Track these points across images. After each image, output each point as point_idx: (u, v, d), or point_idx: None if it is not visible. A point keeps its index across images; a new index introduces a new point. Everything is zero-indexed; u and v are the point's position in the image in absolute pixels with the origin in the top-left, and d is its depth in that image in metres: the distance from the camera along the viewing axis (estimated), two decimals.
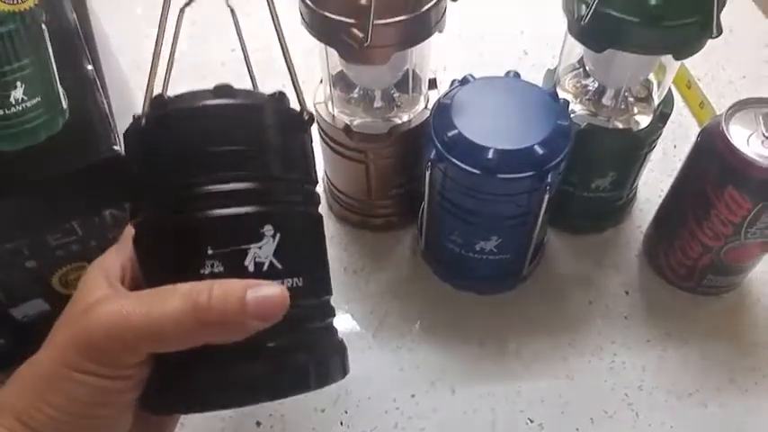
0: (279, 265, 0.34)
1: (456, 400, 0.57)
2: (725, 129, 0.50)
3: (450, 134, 0.50)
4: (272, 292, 0.33)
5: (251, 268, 0.34)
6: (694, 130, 0.73)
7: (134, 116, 0.36)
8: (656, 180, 0.68)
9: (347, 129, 0.56)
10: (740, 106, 0.52)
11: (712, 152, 0.52)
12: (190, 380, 0.34)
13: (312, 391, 0.36)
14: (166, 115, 0.35)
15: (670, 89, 0.58)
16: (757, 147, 0.50)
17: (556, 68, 0.60)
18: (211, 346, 0.33)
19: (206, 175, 0.34)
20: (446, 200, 0.54)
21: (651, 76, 0.58)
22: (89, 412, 0.33)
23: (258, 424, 0.55)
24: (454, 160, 0.50)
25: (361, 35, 0.45)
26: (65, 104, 0.45)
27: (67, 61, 0.46)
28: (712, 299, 0.63)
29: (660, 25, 0.46)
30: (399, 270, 0.65)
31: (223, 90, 0.35)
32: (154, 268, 0.36)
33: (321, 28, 0.48)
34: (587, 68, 0.57)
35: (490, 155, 0.48)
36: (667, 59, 0.53)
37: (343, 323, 0.61)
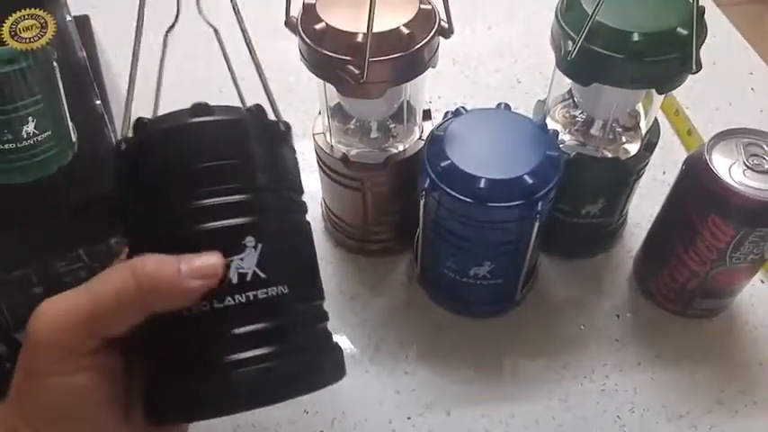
0: (263, 275, 0.35)
1: (451, 423, 0.58)
2: (707, 158, 0.52)
3: (443, 164, 0.52)
4: (202, 261, 0.33)
5: (234, 279, 0.34)
6: (683, 157, 0.74)
7: (116, 141, 0.37)
8: (645, 205, 0.69)
9: (345, 158, 0.58)
10: (722, 137, 0.54)
11: (696, 181, 0.54)
12: (187, 388, 0.34)
13: (307, 395, 0.36)
14: (143, 137, 0.36)
15: (657, 118, 0.60)
16: (739, 176, 0.51)
17: (546, 99, 0.62)
18: (207, 353, 0.34)
19: (185, 192, 0.35)
20: (440, 227, 0.56)
21: (639, 106, 0.60)
22: (69, 415, 0.33)
23: None
24: (447, 189, 0.51)
25: (357, 72, 0.47)
26: (74, 138, 0.47)
27: (77, 96, 0.47)
28: (702, 321, 0.64)
29: (642, 61, 0.48)
30: (396, 295, 0.66)
31: (199, 108, 0.36)
32: None
33: (319, 65, 0.50)
34: (576, 100, 0.59)
35: (482, 184, 0.50)
36: (653, 90, 0.55)
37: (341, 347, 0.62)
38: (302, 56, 0.52)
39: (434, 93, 0.83)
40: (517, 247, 0.56)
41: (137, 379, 0.36)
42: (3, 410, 0.34)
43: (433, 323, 0.64)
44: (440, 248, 0.58)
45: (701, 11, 0.48)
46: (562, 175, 0.53)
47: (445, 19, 0.52)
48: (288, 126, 0.39)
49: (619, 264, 0.69)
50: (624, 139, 0.60)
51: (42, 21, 0.46)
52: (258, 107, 0.38)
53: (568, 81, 0.57)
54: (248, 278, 0.35)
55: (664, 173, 0.74)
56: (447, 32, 0.52)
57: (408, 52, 0.49)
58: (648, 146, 0.59)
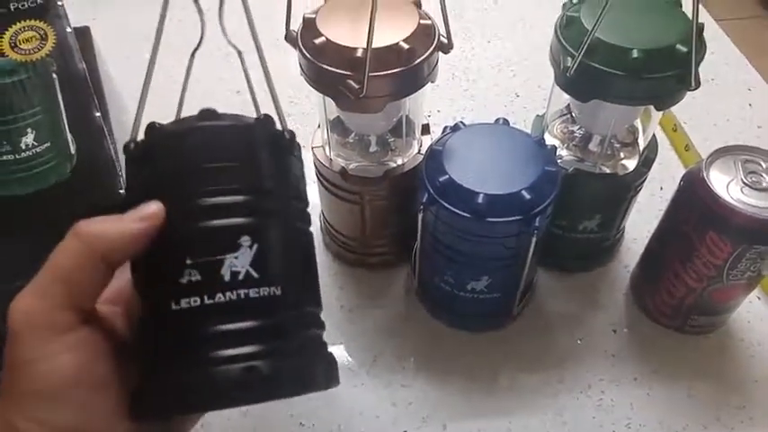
0: (256, 275, 0.35)
1: None
2: (705, 175, 0.52)
3: (441, 179, 0.52)
4: (142, 207, 0.35)
5: (227, 277, 0.35)
6: (680, 172, 0.74)
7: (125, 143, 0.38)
8: (643, 220, 0.69)
9: (343, 172, 0.58)
10: (720, 153, 0.54)
11: (694, 198, 0.54)
12: (170, 382, 0.34)
13: (293, 397, 0.36)
14: (150, 138, 0.37)
15: (654, 134, 0.60)
16: (736, 193, 0.52)
17: (544, 114, 0.62)
18: (193, 348, 0.34)
19: (187, 191, 0.36)
20: (438, 241, 0.56)
21: (637, 122, 0.60)
22: (61, 399, 0.33)
23: None
24: (445, 204, 0.51)
25: (357, 86, 0.47)
26: (73, 150, 0.47)
27: (76, 109, 0.48)
28: (698, 338, 0.64)
29: (641, 78, 0.49)
30: (393, 307, 0.67)
31: (207, 114, 0.37)
32: (142, 276, 0.37)
33: (319, 79, 0.50)
34: (574, 115, 0.59)
35: (480, 199, 0.50)
36: (651, 107, 0.55)
37: (338, 360, 0.61)
38: (302, 70, 0.52)
39: (433, 106, 0.83)
40: (515, 262, 0.56)
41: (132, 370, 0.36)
42: None
43: (431, 336, 0.64)
44: (437, 262, 0.58)
45: (701, 28, 0.48)
46: (560, 190, 0.53)
47: (445, 34, 0.52)
48: (293, 135, 0.40)
49: (615, 279, 0.69)
50: (622, 154, 0.60)
51: (42, 32, 0.46)
52: (266, 116, 0.39)
53: (567, 96, 0.57)
54: (241, 276, 0.35)
55: (661, 188, 0.75)
56: (446, 48, 0.52)
57: (408, 67, 0.49)
58: (646, 162, 0.59)
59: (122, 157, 0.46)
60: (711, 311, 0.61)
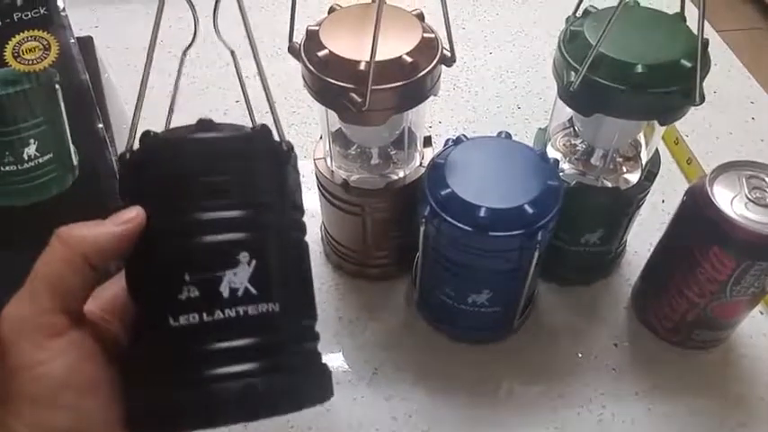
0: (254, 291, 0.35)
1: None
2: (709, 191, 0.52)
3: (443, 193, 0.52)
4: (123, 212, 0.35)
5: (225, 294, 0.35)
6: (683, 185, 0.74)
7: (120, 152, 0.38)
8: (644, 233, 0.69)
9: (345, 184, 0.58)
10: (724, 169, 0.54)
11: (697, 213, 0.54)
12: (170, 399, 0.34)
13: (291, 413, 0.36)
14: (146, 149, 0.37)
15: (657, 148, 0.60)
16: (741, 208, 0.51)
17: (547, 127, 0.62)
18: (192, 365, 0.34)
19: (184, 205, 0.35)
20: (439, 254, 0.55)
21: (640, 136, 0.60)
22: (55, 403, 0.34)
23: None
24: (447, 218, 0.51)
25: (359, 100, 0.47)
26: (75, 161, 0.47)
27: (79, 120, 0.47)
28: (700, 353, 0.63)
29: (645, 93, 0.49)
30: (394, 319, 0.66)
31: (204, 124, 0.37)
32: (140, 291, 0.37)
33: (322, 92, 0.50)
34: (576, 129, 0.59)
35: (482, 213, 0.50)
36: (654, 121, 0.55)
37: (338, 371, 0.62)
38: (305, 82, 0.52)
39: (434, 118, 0.83)
40: (516, 276, 0.56)
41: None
42: None
43: (431, 348, 0.64)
44: (439, 275, 0.58)
45: (705, 43, 0.48)
46: (562, 203, 0.53)
47: (448, 47, 0.52)
48: (291, 147, 0.40)
49: (617, 292, 0.69)
50: (625, 168, 0.60)
51: (45, 43, 0.46)
52: (264, 127, 0.38)
53: (570, 110, 0.57)
54: (239, 293, 0.35)
55: (663, 201, 0.75)
56: (449, 61, 0.52)
57: (411, 81, 0.49)
58: (649, 176, 0.59)
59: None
60: (714, 327, 0.61)
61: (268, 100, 0.40)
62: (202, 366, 0.34)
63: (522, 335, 0.64)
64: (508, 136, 0.57)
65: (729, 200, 0.52)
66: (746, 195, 0.52)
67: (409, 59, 0.48)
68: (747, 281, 0.54)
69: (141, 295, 0.36)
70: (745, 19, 2.44)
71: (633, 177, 0.60)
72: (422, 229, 0.54)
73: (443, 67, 0.53)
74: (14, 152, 0.45)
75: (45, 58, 0.46)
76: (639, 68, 0.47)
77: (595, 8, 0.54)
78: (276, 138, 0.39)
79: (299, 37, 0.53)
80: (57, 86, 0.47)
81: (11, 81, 0.45)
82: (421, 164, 0.60)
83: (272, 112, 0.40)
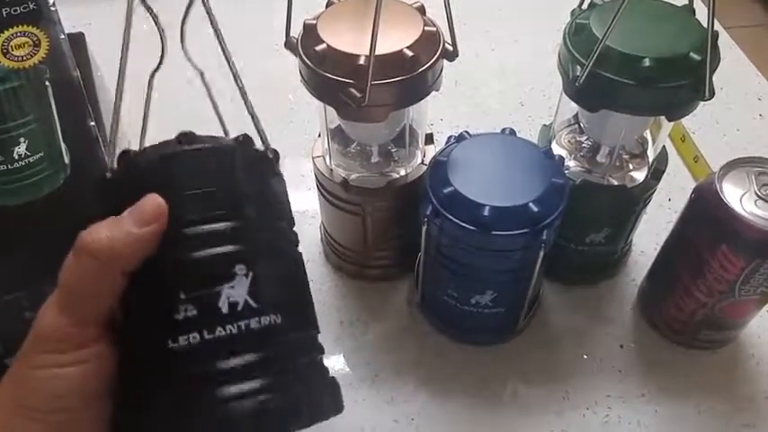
0: (254, 304, 0.34)
1: None
2: (718, 188, 0.51)
3: (445, 191, 0.50)
4: (143, 207, 0.34)
5: (225, 309, 0.34)
6: (689, 184, 0.73)
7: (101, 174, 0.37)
8: (650, 233, 0.69)
9: (345, 183, 0.57)
10: (732, 165, 0.53)
11: (706, 211, 0.53)
12: (178, 424, 0.33)
13: (304, 428, 0.36)
14: (128, 167, 0.36)
15: (664, 146, 0.58)
16: (750, 206, 0.50)
17: (551, 124, 0.61)
18: (199, 390, 0.33)
19: (172, 221, 0.34)
20: (442, 254, 0.54)
21: (646, 133, 0.59)
22: (63, 405, 0.34)
23: None
24: (450, 217, 0.50)
25: (359, 95, 0.46)
26: (67, 160, 0.46)
27: (70, 118, 0.46)
28: (707, 353, 0.62)
29: (653, 87, 0.47)
30: (395, 321, 0.65)
31: (186, 137, 0.36)
32: (131, 314, 0.35)
33: (320, 87, 0.49)
34: (582, 125, 0.58)
35: (486, 212, 0.49)
36: (662, 117, 0.54)
37: (339, 374, 0.60)
38: (302, 77, 0.51)
39: (436, 115, 0.82)
40: (521, 276, 0.55)
41: None
42: None
43: (434, 350, 0.63)
44: (441, 275, 0.57)
45: (716, 36, 0.47)
46: (567, 202, 0.52)
47: (450, 41, 0.51)
48: (276, 154, 0.39)
49: (623, 292, 0.68)
50: (631, 166, 0.59)
51: (35, 38, 0.45)
52: (246, 137, 0.38)
53: (575, 106, 0.56)
54: (239, 307, 0.34)
55: (669, 199, 0.74)
56: (451, 55, 0.51)
57: (412, 75, 0.48)
58: (656, 174, 0.58)
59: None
60: (722, 326, 0.60)
61: (247, 107, 0.39)
62: (210, 388, 0.33)
63: (526, 336, 0.64)
64: (512, 132, 0.56)
65: (738, 197, 0.51)
66: (756, 192, 0.51)
67: (410, 53, 0.47)
68: (756, 280, 0.52)
69: (134, 319, 0.35)
70: (752, 16, 2.43)
71: (640, 175, 0.58)
72: (424, 228, 0.53)
73: (445, 62, 0.51)
74: (4, 151, 0.44)
75: (35, 54, 0.45)
76: (647, 62, 0.46)
77: (602, 0, 0.52)
78: (259, 146, 0.38)
79: (296, 32, 0.51)
80: (47, 83, 0.45)
81: (0, 78, 0.44)
82: (422, 162, 0.59)
83: (254, 120, 0.39)
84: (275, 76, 0.74)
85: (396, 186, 0.57)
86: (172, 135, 0.36)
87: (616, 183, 0.58)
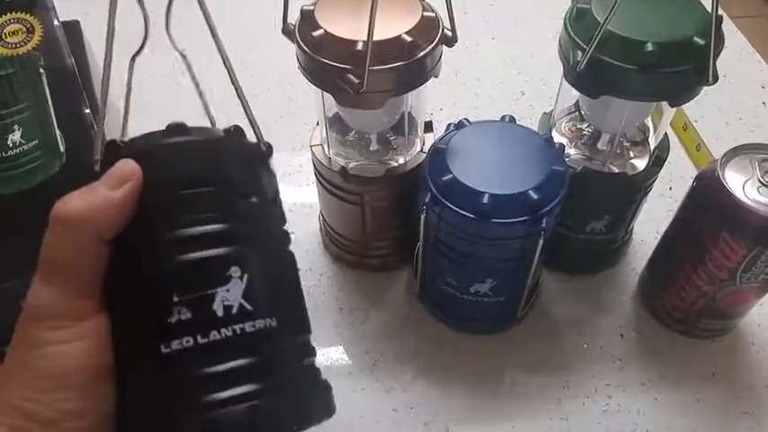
0: (249, 307, 0.33)
1: None
2: (720, 175, 0.51)
3: (445, 179, 0.50)
4: (117, 170, 0.33)
5: (219, 312, 0.33)
6: (691, 172, 0.73)
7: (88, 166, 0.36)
8: (651, 221, 0.68)
9: (343, 171, 0.57)
10: (735, 152, 0.52)
11: (708, 198, 0.52)
12: (169, 426, 0.33)
13: None
14: (114, 159, 0.34)
15: (666, 133, 0.58)
16: (753, 193, 0.50)
17: (552, 112, 0.61)
18: (191, 394, 0.33)
19: (163, 222, 0.33)
20: (441, 243, 0.54)
21: (648, 120, 0.58)
22: (65, 383, 0.33)
23: None
24: (449, 204, 0.50)
25: (356, 81, 0.46)
26: (62, 148, 0.46)
27: (65, 105, 0.46)
28: (707, 342, 0.62)
29: (655, 72, 0.47)
30: (395, 310, 0.65)
31: (176, 129, 0.35)
32: (122, 317, 0.34)
33: (317, 74, 0.49)
34: (583, 112, 0.58)
35: (485, 200, 0.49)
36: (664, 104, 0.53)
37: (338, 363, 0.61)
38: (300, 64, 0.50)
39: (436, 104, 0.82)
40: (520, 265, 0.54)
41: None
42: None
43: (433, 339, 0.63)
44: (440, 264, 0.57)
45: (720, 20, 0.46)
46: (567, 190, 0.51)
47: (449, 26, 0.50)
48: (269, 147, 0.38)
49: (623, 281, 0.68)
50: (632, 153, 0.59)
51: (29, 25, 0.44)
52: (236, 128, 0.37)
53: (575, 93, 0.56)
54: (234, 311, 0.33)
55: (670, 188, 0.73)
56: (450, 41, 0.50)
57: (410, 61, 0.47)
58: (657, 161, 0.57)
59: None
60: (722, 315, 0.59)
61: (242, 104, 0.38)
62: (203, 392, 0.33)
63: (525, 325, 0.63)
64: (512, 120, 0.55)
65: (741, 184, 0.50)
66: (759, 179, 0.50)
67: (409, 39, 0.46)
68: (758, 267, 0.52)
69: (125, 323, 0.34)
70: (755, 8, 2.42)
71: (641, 163, 0.58)
72: (423, 216, 0.53)
73: (445, 52, 0.51)
74: None
75: (29, 41, 0.44)
76: (650, 47, 0.46)
77: None
78: (251, 139, 0.37)
79: (293, 18, 0.51)
80: (41, 71, 0.45)
81: None
82: (422, 150, 0.59)
83: (248, 115, 0.38)
84: (273, 63, 0.74)
85: (395, 175, 0.57)
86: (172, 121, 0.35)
87: (617, 170, 0.58)
